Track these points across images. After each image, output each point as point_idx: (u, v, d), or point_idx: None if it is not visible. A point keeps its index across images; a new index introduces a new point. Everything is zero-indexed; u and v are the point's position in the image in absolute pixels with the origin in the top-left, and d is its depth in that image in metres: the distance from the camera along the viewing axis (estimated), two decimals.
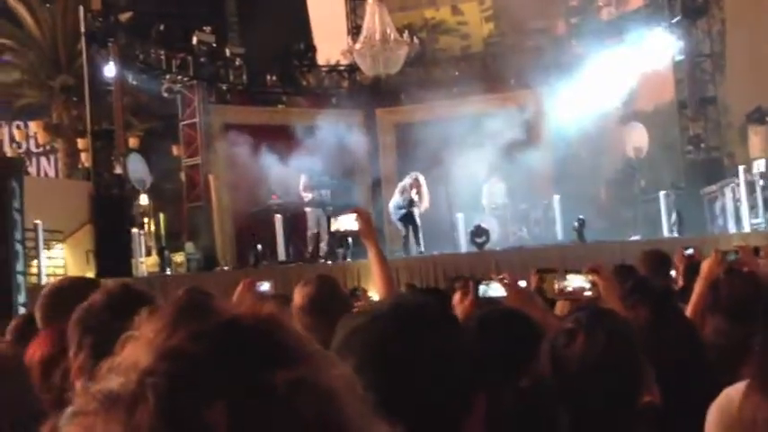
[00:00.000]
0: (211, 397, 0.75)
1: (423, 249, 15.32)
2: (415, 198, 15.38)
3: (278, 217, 15.54)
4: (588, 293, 3.63)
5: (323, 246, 15.73)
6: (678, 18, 16.50)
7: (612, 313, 2.51)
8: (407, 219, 15.52)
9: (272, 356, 0.80)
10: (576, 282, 3.72)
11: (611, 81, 16.72)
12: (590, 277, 3.68)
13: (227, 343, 0.80)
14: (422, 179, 15.49)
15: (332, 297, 3.54)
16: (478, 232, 15.32)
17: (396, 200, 15.67)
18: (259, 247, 15.12)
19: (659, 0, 16.97)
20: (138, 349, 0.81)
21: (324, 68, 19.48)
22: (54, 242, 13.87)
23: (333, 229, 4.16)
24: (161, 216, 17.71)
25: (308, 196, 15.87)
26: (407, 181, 15.60)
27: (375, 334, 1.35)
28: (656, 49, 16.72)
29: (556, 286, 3.79)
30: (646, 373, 2.29)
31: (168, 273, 14.64)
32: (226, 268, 15.53)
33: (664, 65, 16.91)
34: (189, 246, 16.42)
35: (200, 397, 0.75)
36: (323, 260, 14.97)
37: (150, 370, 0.78)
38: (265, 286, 4.68)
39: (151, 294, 2.46)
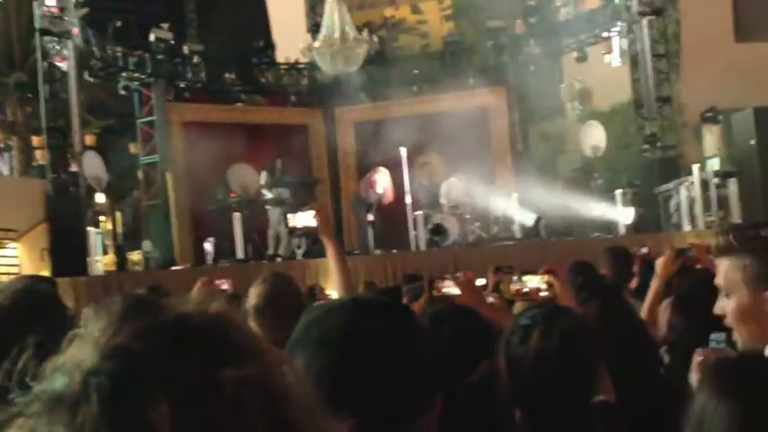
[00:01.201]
0: (156, 397, 0.74)
1: (380, 249, 15.36)
2: (380, 191, 15.47)
3: (236, 215, 15.46)
4: (544, 294, 3.66)
5: (282, 244, 15.68)
6: (635, 18, 16.69)
7: (568, 311, 2.53)
8: (370, 205, 15.59)
9: (219, 355, 0.79)
10: (532, 282, 3.75)
11: (569, 80, 16.86)
12: (546, 278, 3.71)
13: (173, 341, 0.79)
14: (385, 172, 15.61)
15: (287, 295, 3.53)
16: (437, 230, 15.37)
17: (359, 196, 15.76)
18: (213, 245, 15.03)
19: (616, 0, 17.15)
20: (82, 348, 0.79)
21: (283, 66, 19.41)
22: (7, 241, 13.67)
23: (290, 225, 4.15)
24: (118, 214, 17.52)
25: (266, 194, 15.80)
26: (371, 175, 15.71)
27: (331, 327, 1.35)
28: (612, 49, 16.89)
29: (512, 287, 3.82)
30: (600, 372, 2.32)
31: (126, 271, 14.51)
32: (183, 267, 15.41)
33: (621, 64, 17.09)
34: (146, 244, 16.28)
35: (145, 397, 0.74)
36: (281, 258, 14.92)
37: (94, 370, 0.77)
38: (224, 284, 4.67)
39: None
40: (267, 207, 15.97)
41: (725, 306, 2.31)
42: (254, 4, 20.94)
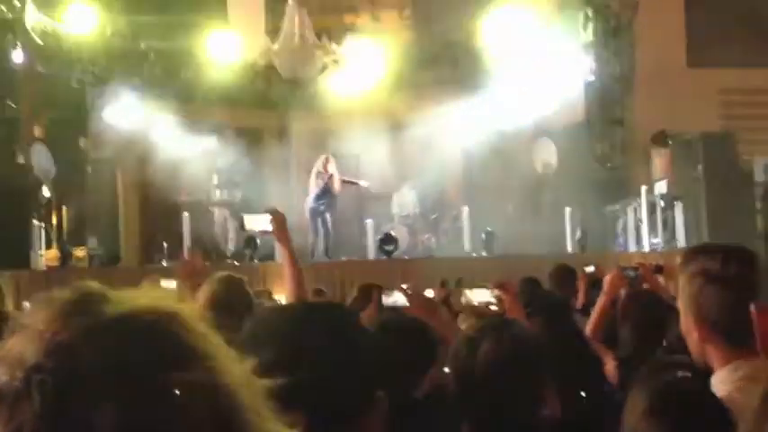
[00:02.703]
0: (101, 399, 0.71)
1: (329, 257, 15.33)
2: (335, 185, 15.54)
3: (186, 215, 15.32)
4: (494, 308, 3.67)
5: (230, 246, 15.60)
6: (590, 39, 16.90)
7: (517, 324, 2.54)
8: (324, 211, 15.57)
9: (168, 357, 0.76)
10: (482, 296, 3.76)
11: (524, 97, 16.99)
12: (496, 292, 3.73)
13: (121, 341, 0.76)
14: (332, 161, 15.68)
15: (236, 296, 3.51)
16: (387, 240, 15.38)
17: (312, 191, 15.75)
18: (165, 244, 14.88)
19: (573, 21, 17.34)
20: (24, 342, 0.76)
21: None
22: None
23: (247, 228, 4.15)
24: (64, 209, 17.24)
25: (218, 195, 15.69)
26: (320, 163, 15.74)
27: (278, 328, 1.35)
28: (567, 68, 17.08)
29: (462, 299, 3.83)
30: (547, 386, 2.32)
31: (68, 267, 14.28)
32: (129, 265, 15.23)
33: (575, 84, 17.28)
34: (92, 241, 16.04)
35: (89, 399, 0.71)
36: (229, 260, 14.81)
37: (37, 366, 0.73)
38: (171, 283, 4.61)
39: None
40: (216, 208, 15.86)
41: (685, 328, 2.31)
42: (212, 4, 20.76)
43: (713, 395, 2.01)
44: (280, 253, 14.08)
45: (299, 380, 1.24)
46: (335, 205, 16.05)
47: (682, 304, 2.32)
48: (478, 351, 2.26)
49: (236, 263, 14.44)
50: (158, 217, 16.07)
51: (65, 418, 0.71)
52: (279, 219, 3.90)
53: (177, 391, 0.73)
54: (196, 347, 0.78)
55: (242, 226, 4.15)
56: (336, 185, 15.87)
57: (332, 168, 15.87)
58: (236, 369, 0.80)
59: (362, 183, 16.46)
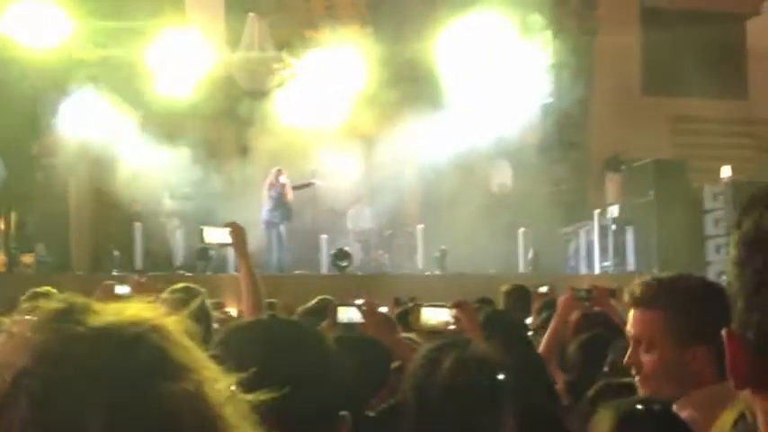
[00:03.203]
0: (88, 405, 0.71)
1: (282, 270, 15.28)
2: (288, 195, 15.55)
3: (138, 225, 15.16)
4: (451, 327, 3.67)
5: (180, 257, 15.51)
6: (550, 62, 17.11)
7: (477, 344, 2.55)
8: (278, 223, 15.54)
9: (155, 368, 0.76)
10: (440, 315, 3.75)
11: (483, 117, 17.10)
12: (454, 311, 3.73)
13: (108, 350, 0.75)
14: (284, 172, 15.72)
15: (198, 308, 3.48)
16: (341, 255, 15.36)
17: (266, 204, 15.73)
18: (116, 253, 14.72)
19: (532, 44, 17.53)
20: (12, 348, 0.76)
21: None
22: None
23: (206, 241, 4.13)
24: (13, 215, 16.96)
25: (171, 206, 15.56)
26: (272, 175, 15.75)
27: (253, 341, 1.35)
28: (526, 90, 17.25)
29: (421, 318, 3.81)
30: (506, 406, 2.32)
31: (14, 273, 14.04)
32: (78, 273, 15.00)
33: (533, 106, 17.45)
34: (40, 247, 15.79)
35: (78, 406, 0.71)
36: (182, 271, 14.67)
37: (25, 371, 0.73)
38: (124, 289, 4.57)
39: None
40: (168, 219, 15.75)
41: (643, 359, 2.31)
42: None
43: (679, 418, 2.03)
44: (233, 265, 14.04)
45: (272, 397, 1.23)
46: (290, 217, 16.02)
47: (658, 337, 2.33)
48: (438, 370, 2.26)
49: (187, 274, 14.31)
50: (110, 226, 15.88)
51: (52, 424, 0.70)
52: (238, 232, 3.91)
53: (164, 402, 0.73)
54: (181, 360, 0.79)
55: (201, 238, 4.11)
56: (289, 195, 15.89)
57: (283, 179, 15.88)
58: (220, 383, 0.80)
59: (314, 181, 16.42)
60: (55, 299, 0.80)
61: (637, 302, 2.34)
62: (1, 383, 0.73)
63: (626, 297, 2.42)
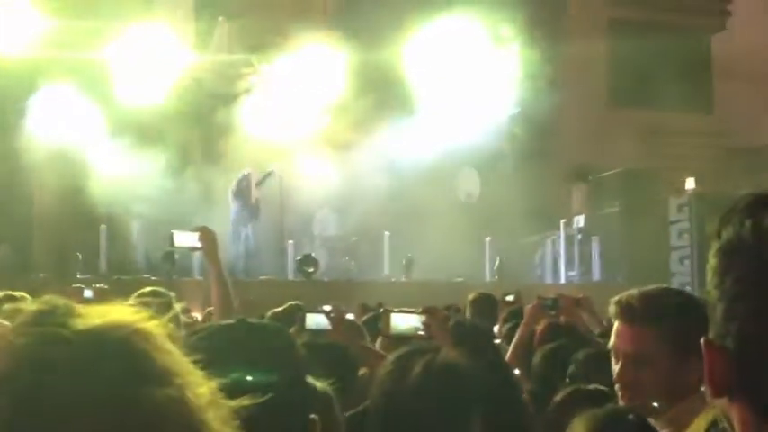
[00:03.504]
0: (72, 410, 0.70)
1: (248, 275, 15.20)
2: (252, 195, 15.52)
3: (103, 228, 15.03)
4: (421, 333, 3.66)
5: (144, 261, 15.44)
6: (518, 72, 17.20)
7: (446, 350, 2.54)
8: (245, 225, 15.50)
9: (139, 373, 0.76)
10: (409, 321, 3.75)
11: (450, 126, 17.16)
12: (423, 318, 3.72)
13: (92, 354, 0.74)
14: (252, 176, 15.70)
15: (165, 312, 3.46)
16: (307, 261, 15.31)
17: (233, 207, 15.69)
18: (80, 256, 14.59)
19: (502, 54, 17.63)
20: None
21: None
22: None
23: (176, 245, 4.11)
24: None
25: (137, 209, 15.46)
26: (239, 178, 15.74)
27: (226, 345, 1.34)
28: (494, 99, 17.33)
29: (391, 323, 3.80)
30: (474, 414, 2.32)
31: None
32: (41, 275, 14.82)
33: (501, 115, 17.54)
34: (3, 248, 15.60)
35: (60, 408, 0.70)
36: (146, 275, 14.55)
37: (8, 375, 0.71)
38: (87, 292, 4.55)
39: None
40: (134, 221, 15.66)
41: (637, 375, 2.30)
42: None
43: (652, 429, 2.04)
44: (198, 269, 13.96)
45: (249, 402, 1.23)
46: (256, 220, 15.97)
47: (655, 352, 2.34)
48: (408, 376, 2.24)
49: (152, 278, 14.19)
50: (75, 228, 15.71)
51: (35, 428, 0.69)
52: (209, 236, 3.91)
53: (149, 407, 0.72)
54: (165, 364, 0.78)
55: (171, 242, 4.08)
56: (254, 193, 15.87)
57: (249, 181, 15.84)
58: (203, 388, 0.79)
59: (273, 170, 16.33)
60: (37, 301, 0.79)
61: (628, 318, 2.32)
62: None
63: (612, 311, 2.38)
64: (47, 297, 0.80)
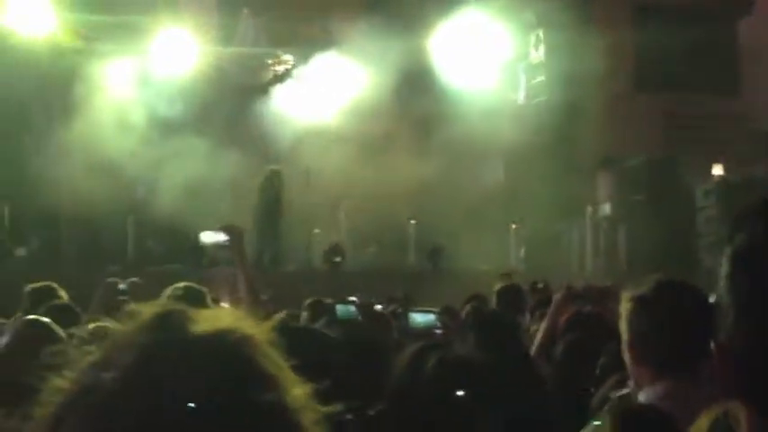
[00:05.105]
0: (192, 406, 0.77)
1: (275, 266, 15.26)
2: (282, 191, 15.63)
3: (131, 219, 15.19)
4: (438, 332, 3.68)
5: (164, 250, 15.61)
6: (541, 60, 17.13)
7: (461, 346, 2.55)
8: (271, 217, 15.59)
9: (247, 377, 0.82)
10: (427, 319, 3.77)
11: (475, 114, 17.10)
12: (443, 317, 3.74)
13: (208, 358, 0.81)
14: (280, 171, 15.76)
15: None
16: (335, 251, 15.34)
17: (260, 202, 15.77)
18: (109, 248, 14.74)
19: (524, 42, 17.56)
20: (118, 348, 0.82)
21: None
22: None
23: (203, 242, 4.19)
24: (5, 208, 16.90)
25: (164, 201, 15.56)
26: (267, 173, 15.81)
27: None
28: (518, 88, 17.28)
29: (409, 321, 3.83)
30: (492, 408, 2.32)
31: None
32: (71, 268, 14.96)
33: (525, 103, 17.48)
34: (33, 240, 15.79)
35: (178, 405, 0.77)
36: (176, 265, 14.63)
37: (134, 368, 0.79)
38: (124, 286, 4.66)
39: None
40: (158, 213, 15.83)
41: None
42: None
43: (674, 421, 2.06)
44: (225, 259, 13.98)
45: (348, 409, 1.26)
46: (282, 215, 15.99)
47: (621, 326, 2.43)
48: (422, 372, 2.25)
49: (180, 267, 14.28)
50: (103, 220, 15.82)
51: (157, 423, 0.75)
52: (236, 233, 3.99)
53: (252, 411, 0.79)
54: (269, 370, 0.85)
55: (198, 240, 4.21)
56: (282, 191, 15.90)
57: (277, 177, 15.83)
58: (299, 392, 0.86)
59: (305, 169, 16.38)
60: (154, 305, 0.87)
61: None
62: (107, 379, 0.78)
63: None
64: (163, 302, 0.88)
